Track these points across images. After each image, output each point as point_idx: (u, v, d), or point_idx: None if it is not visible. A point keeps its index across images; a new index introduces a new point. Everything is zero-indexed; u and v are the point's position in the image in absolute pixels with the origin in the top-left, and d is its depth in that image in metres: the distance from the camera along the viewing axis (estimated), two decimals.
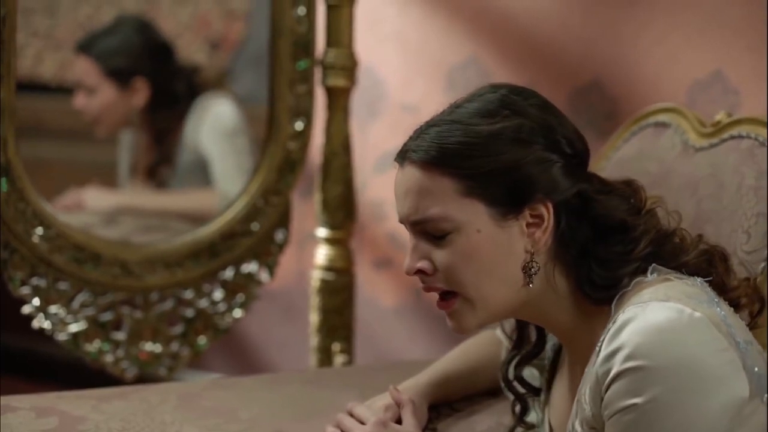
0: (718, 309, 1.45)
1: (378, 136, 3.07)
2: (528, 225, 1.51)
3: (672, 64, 2.52)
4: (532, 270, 1.51)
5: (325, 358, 2.65)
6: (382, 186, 3.08)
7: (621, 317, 1.42)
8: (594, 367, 1.43)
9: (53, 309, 2.44)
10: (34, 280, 2.41)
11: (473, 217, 1.50)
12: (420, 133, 1.57)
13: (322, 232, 2.66)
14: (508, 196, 1.50)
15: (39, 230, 2.38)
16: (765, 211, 1.76)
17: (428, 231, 1.53)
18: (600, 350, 1.42)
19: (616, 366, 1.38)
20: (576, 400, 1.49)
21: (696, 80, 2.46)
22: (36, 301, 2.42)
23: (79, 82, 2.84)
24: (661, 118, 2.02)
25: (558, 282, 1.53)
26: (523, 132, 1.51)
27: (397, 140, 3.01)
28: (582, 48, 2.69)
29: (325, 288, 2.65)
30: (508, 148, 1.50)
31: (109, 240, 2.53)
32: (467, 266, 1.51)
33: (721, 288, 1.53)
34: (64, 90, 2.97)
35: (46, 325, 2.45)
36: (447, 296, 1.55)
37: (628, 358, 1.38)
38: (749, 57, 2.37)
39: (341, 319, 2.66)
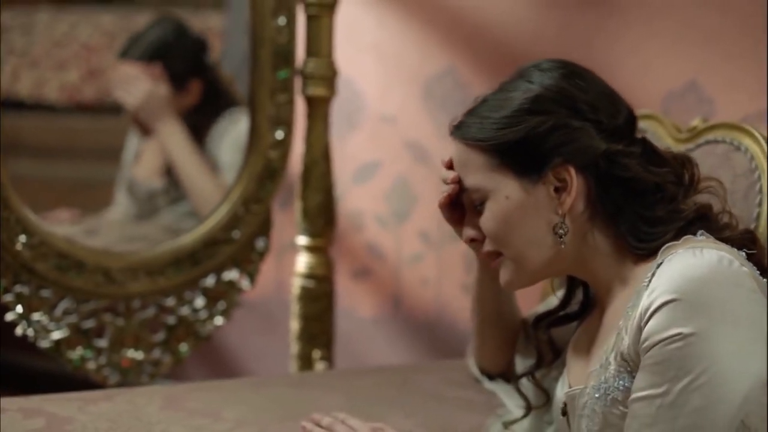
0: (761, 276, 1.52)
1: (356, 147, 3.08)
2: (556, 189, 1.60)
3: (647, 73, 2.54)
4: (561, 231, 1.60)
5: (306, 365, 2.67)
6: (360, 196, 3.09)
7: (672, 257, 1.49)
8: (641, 300, 1.48)
9: (36, 316, 2.45)
10: (17, 288, 2.42)
11: (501, 185, 1.61)
12: (468, 109, 1.67)
13: (302, 240, 2.68)
14: (529, 164, 1.60)
15: (22, 238, 2.38)
16: (740, 213, 1.79)
17: (472, 199, 1.65)
18: (648, 284, 1.48)
19: (660, 298, 1.44)
20: (616, 334, 1.54)
21: (671, 89, 2.49)
22: (19, 309, 2.43)
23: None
24: (639, 124, 2.05)
25: (599, 240, 1.61)
26: (539, 102, 1.60)
27: (375, 151, 3.06)
28: (557, 57, 2.71)
29: (306, 295, 2.68)
30: (523, 119, 1.59)
31: (92, 248, 2.53)
32: (501, 229, 1.62)
33: (760, 266, 1.57)
34: (41, 107, 2.98)
35: (29, 332, 2.45)
36: (495, 256, 1.65)
37: (672, 291, 1.44)
38: (724, 66, 2.40)
39: (321, 326, 2.68)
